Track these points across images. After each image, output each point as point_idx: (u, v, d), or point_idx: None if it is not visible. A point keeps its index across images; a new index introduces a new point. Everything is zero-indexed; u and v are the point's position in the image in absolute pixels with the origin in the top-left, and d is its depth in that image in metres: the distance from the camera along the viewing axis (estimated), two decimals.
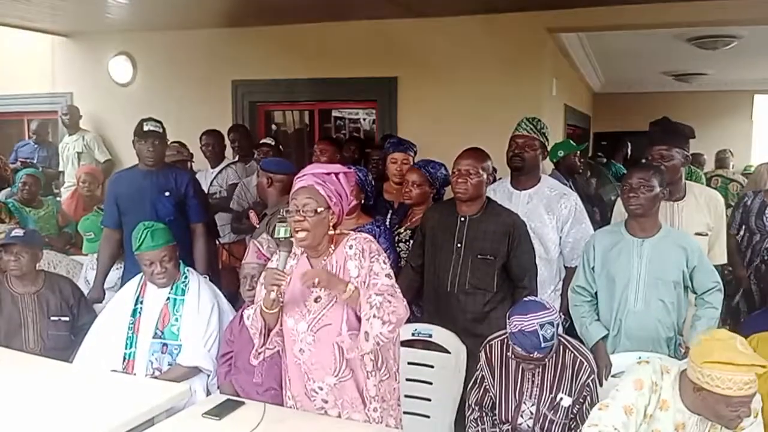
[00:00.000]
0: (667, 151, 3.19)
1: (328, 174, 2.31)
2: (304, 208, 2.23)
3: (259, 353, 2.36)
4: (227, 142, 5.40)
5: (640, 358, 2.74)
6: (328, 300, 2.27)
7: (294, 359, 2.35)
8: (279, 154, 4.99)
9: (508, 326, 2.54)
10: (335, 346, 2.26)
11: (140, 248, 3.10)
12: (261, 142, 5.09)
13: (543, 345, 2.46)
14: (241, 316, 2.94)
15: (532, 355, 2.49)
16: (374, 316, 2.13)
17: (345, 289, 2.17)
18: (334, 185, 2.29)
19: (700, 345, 2.12)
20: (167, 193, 3.76)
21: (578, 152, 5.21)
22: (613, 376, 2.81)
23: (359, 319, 2.19)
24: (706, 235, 3.20)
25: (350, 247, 2.30)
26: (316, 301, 2.29)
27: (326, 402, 2.34)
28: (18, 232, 3.34)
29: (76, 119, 6.40)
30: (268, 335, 2.34)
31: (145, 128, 3.74)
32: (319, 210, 2.23)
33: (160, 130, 3.78)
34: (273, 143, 5.08)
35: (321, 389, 2.32)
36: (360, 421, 2.31)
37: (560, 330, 2.63)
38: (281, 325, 2.34)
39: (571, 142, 5.37)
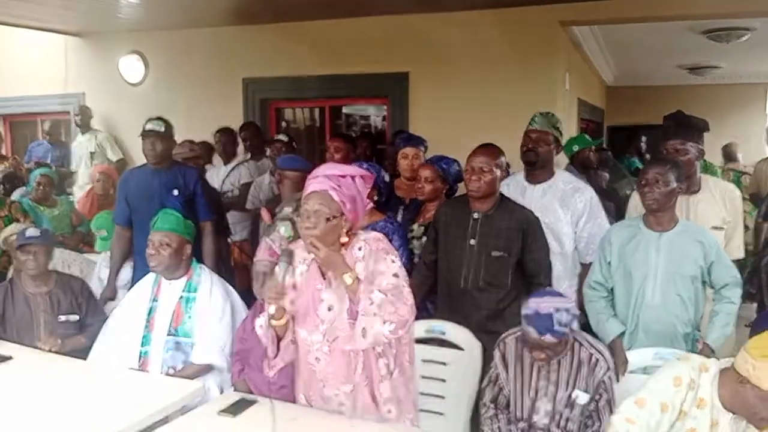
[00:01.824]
0: (681, 145, 3.15)
1: (344, 176, 2.16)
2: (315, 215, 2.11)
3: (272, 366, 2.29)
4: (240, 139, 5.41)
5: (656, 354, 2.72)
6: (340, 308, 2.20)
7: (309, 367, 2.30)
8: (292, 150, 4.99)
9: (523, 310, 2.52)
10: (351, 354, 2.21)
11: (151, 228, 3.16)
12: (275, 138, 5.09)
13: (556, 328, 2.43)
14: (254, 313, 2.95)
15: (543, 338, 2.44)
16: (374, 314, 2.05)
17: (346, 274, 2.09)
18: (349, 189, 2.15)
19: (760, 339, 2.11)
20: (176, 192, 3.78)
21: (593, 147, 5.18)
22: (630, 372, 2.79)
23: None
24: (722, 229, 3.17)
25: (359, 249, 2.19)
26: (329, 309, 2.22)
27: (342, 405, 2.30)
28: (34, 231, 3.35)
29: (88, 119, 6.45)
30: (280, 346, 2.27)
31: (146, 127, 3.78)
32: (331, 217, 2.11)
33: (162, 129, 3.77)
34: (286, 139, 5.07)
35: (337, 395, 2.29)
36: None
37: (576, 325, 2.61)
38: (294, 334, 2.28)
39: (587, 136, 5.34)
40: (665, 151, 3.19)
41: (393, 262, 2.18)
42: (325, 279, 2.24)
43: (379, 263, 2.16)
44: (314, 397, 2.35)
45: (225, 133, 5.30)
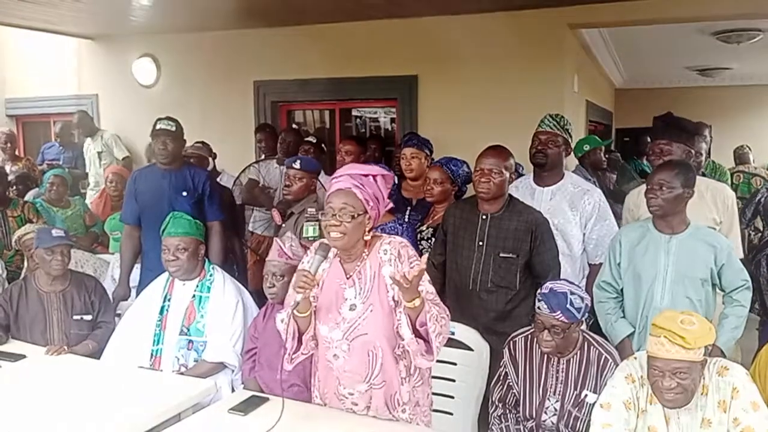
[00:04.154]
0: (666, 145, 3.15)
1: (366, 176, 2.21)
2: (340, 212, 2.14)
3: (293, 358, 2.30)
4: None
5: None
6: (363, 309, 2.22)
7: (326, 363, 2.31)
8: (321, 153, 4.99)
9: (538, 291, 2.57)
10: (370, 354, 2.23)
11: (163, 233, 3.20)
12: (304, 140, 5.07)
13: (568, 307, 2.46)
14: (265, 312, 2.98)
15: (554, 315, 2.47)
16: (432, 331, 2.09)
17: (416, 297, 2.06)
18: (372, 188, 2.19)
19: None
20: (185, 193, 3.81)
21: (603, 147, 5.18)
22: None
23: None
24: (713, 229, 3.14)
25: (385, 251, 2.22)
26: (351, 309, 2.23)
27: (356, 405, 2.31)
28: (59, 232, 3.39)
29: (89, 123, 6.47)
30: (301, 340, 2.28)
31: (157, 127, 3.80)
32: (356, 215, 2.14)
33: (173, 129, 3.80)
34: (315, 141, 5.00)
35: (351, 394, 2.30)
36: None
37: (584, 327, 2.63)
38: (314, 329, 2.29)
39: (596, 137, 5.34)
40: (651, 151, 3.20)
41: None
42: (348, 278, 2.26)
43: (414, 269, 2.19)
44: (329, 394, 2.37)
45: (292, 132, 5.28)
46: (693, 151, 3.20)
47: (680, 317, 2.12)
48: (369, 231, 2.22)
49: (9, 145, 6.33)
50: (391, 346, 2.22)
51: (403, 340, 2.16)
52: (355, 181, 2.17)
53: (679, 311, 2.22)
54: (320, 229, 3.42)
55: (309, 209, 3.55)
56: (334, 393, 2.34)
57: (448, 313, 2.20)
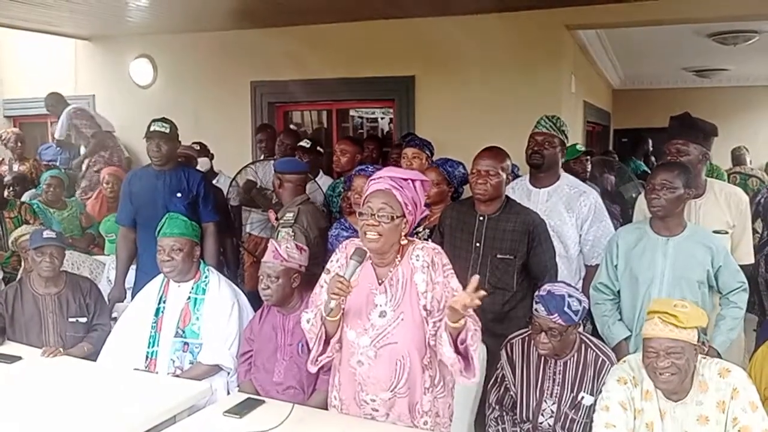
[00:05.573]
0: (683, 145, 3.13)
1: (406, 180, 2.20)
2: (379, 213, 2.12)
3: (318, 360, 2.28)
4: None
5: None
6: (394, 317, 2.20)
7: (349, 369, 2.28)
8: (319, 156, 4.95)
9: (536, 293, 2.57)
10: (398, 363, 2.20)
11: (158, 233, 3.19)
12: (297, 144, 5.04)
13: (566, 310, 2.46)
14: (261, 314, 2.97)
15: (552, 317, 2.47)
16: (471, 347, 2.10)
17: (461, 318, 2.06)
18: (410, 192, 2.18)
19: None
20: (179, 194, 3.80)
21: (582, 157, 5.04)
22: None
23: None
24: (726, 233, 3.13)
25: (417, 257, 2.21)
26: (381, 315, 2.21)
27: (376, 411, 2.28)
28: (50, 233, 3.37)
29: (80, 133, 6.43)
30: (328, 343, 2.25)
31: (151, 128, 3.79)
32: (394, 216, 2.13)
33: (167, 131, 3.78)
34: (309, 145, 4.94)
35: (373, 401, 2.27)
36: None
37: (581, 329, 2.63)
38: (341, 333, 2.26)
39: (578, 146, 5.19)
40: (667, 151, 3.18)
41: (456, 276, 2.22)
42: (380, 284, 2.23)
43: (449, 279, 2.20)
44: (347, 400, 2.33)
45: (290, 134, 5.26)
46: (708, 152, 3.20)
47: (674, 302, 2.21)
48: (404, 236, 2.20)
49: (19, 145, 6.33)
50: (420, 356, 2.21)
51: (429, 350, 2.17)
52: (395, 183, 2.16)
53: (671, 298, 2.32)
54: (293, 232, 3.42)
55: (287, 213, 3.53)
56: (353, 398, 2.31)
57: (479, 323, 2.18)
